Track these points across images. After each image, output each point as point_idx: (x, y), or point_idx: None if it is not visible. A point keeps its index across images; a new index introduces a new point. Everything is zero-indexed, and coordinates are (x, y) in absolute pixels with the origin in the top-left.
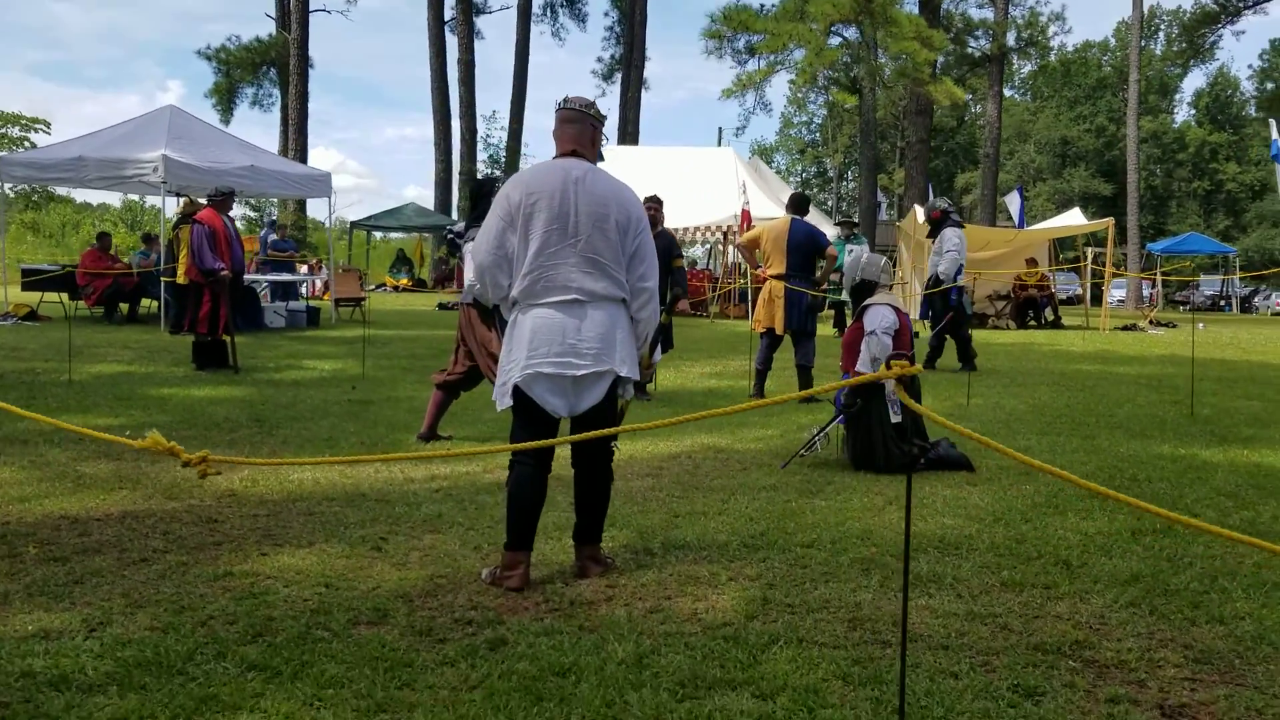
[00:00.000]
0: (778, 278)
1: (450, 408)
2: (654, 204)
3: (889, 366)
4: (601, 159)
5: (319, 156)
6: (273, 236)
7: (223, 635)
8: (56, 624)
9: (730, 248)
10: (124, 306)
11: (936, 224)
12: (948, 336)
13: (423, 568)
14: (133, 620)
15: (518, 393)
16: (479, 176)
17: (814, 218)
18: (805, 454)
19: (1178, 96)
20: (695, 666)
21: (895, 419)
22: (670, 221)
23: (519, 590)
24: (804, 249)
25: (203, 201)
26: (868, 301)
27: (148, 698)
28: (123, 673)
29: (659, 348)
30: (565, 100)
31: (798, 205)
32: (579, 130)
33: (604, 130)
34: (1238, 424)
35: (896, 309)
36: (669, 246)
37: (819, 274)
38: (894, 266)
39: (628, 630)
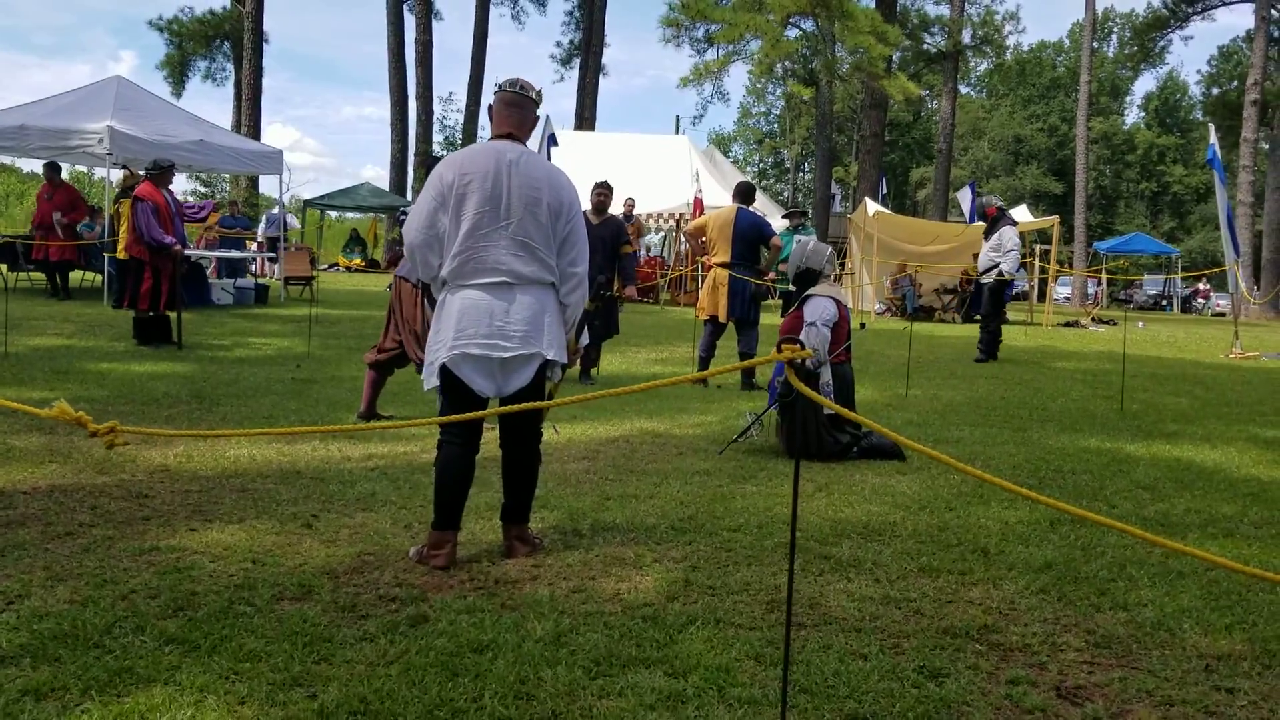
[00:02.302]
0: (722, 266)
1: (389, 386)
2: (603, 190)
3: (779, 350)
4: (556, 144)
5: (276, 133)
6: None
7: (143, 609)
8: None
9: (682, 235)
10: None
11: (994, 220)
12: (983, 327)
13: (351, 545)
14: (52, 593)
15: (445, 372)
16: (434, 156)
17: (767, 207)
18: (740, 440)
19: (1128, 99)
20: (612, 645)
21: (827, 410)
22: (618, 208)
23: (445, 569)
24: (749, 238)
25: (142, 174)
26: (810, 291)
27: (61, 669)
28: (37, 645)
29: (585, 332)
30: (510, 82)
31: (744, 194)
32: (521, 115)
33: (540, 114)
34: (1164, 419)
35: (838, 301)
36: (618, 232)
37: (764, 263)
38: (842, 259)
39: (549, 609)
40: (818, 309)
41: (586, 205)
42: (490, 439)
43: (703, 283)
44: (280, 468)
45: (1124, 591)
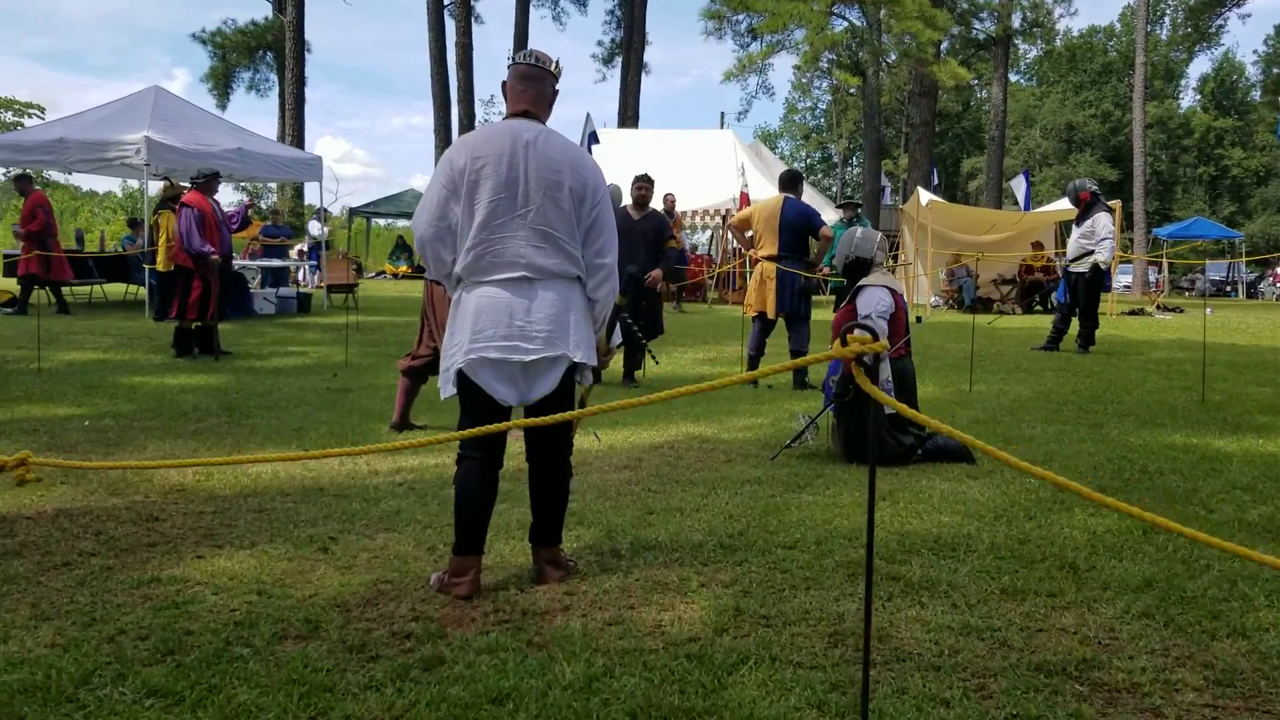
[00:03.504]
0: (769, 259)
1: (424, 394)
2: (644, 183)
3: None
4: (598, 141)
5: (326, 145)
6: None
7: (129, 653)
8: None
9: (727, 231)
10: (45, 295)
11: (1087, 206)
12: (1074, 318)
13: (369, 571)
14: (35, 635)
15: (462, 379)
16: None
17: (816, 201)
18: (794, 445)
19: (1183, 82)
20: (651, 692)
21: (887, 409)
22: (661, 204)
23: (467, 598)
24: (797, 229)
25: (185, 185)
26: (862, 282)
27: None
28: (4, 700)
29: (617, 331)
30: (524, 54)
31: (791, 183)
32: (538, 90)
33: (584, 111)
34: (1250, 411)
35: (893, 290)
36: (661, 227)
37: (813, 255)
38: (895, 251)
39: (580, 647)
40: (871, 300)
41: (629, 200)
42: (516, 452)
43: (750, 278)
44: (302, 484)
45: (1240, 614)
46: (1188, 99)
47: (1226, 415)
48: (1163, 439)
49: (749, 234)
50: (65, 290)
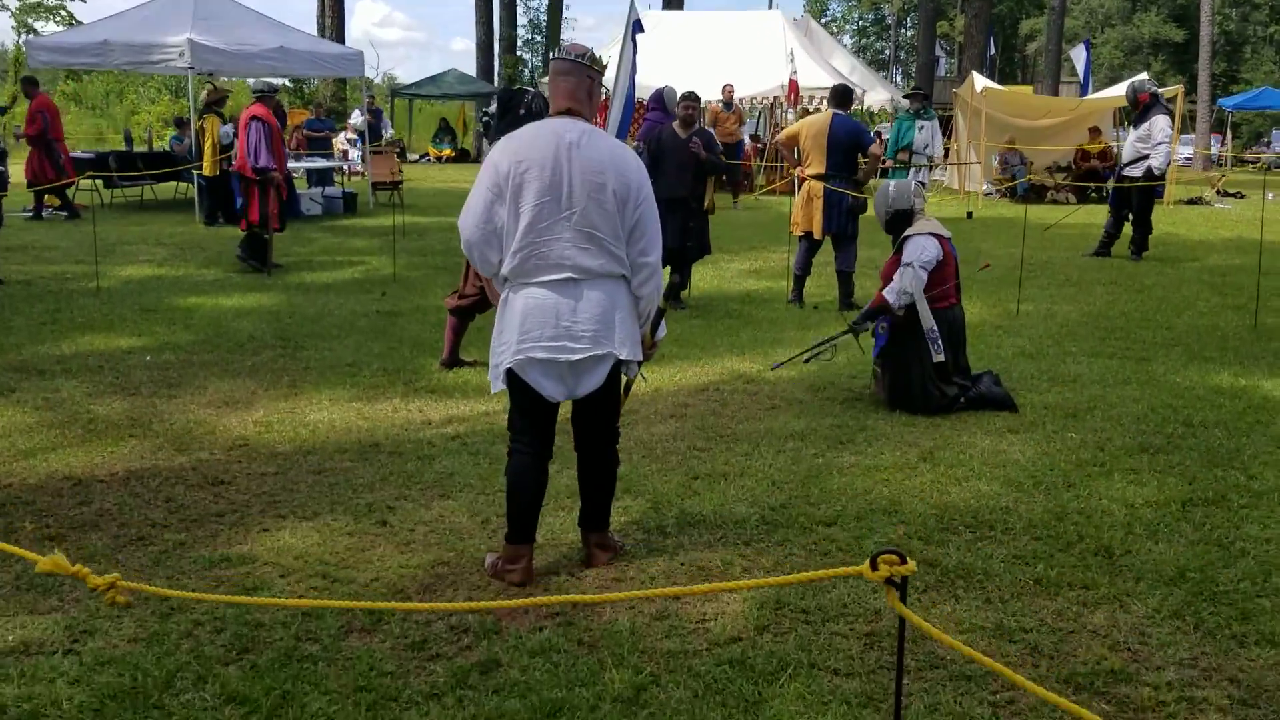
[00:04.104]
0: (817, 178)
1: (473, 329)
2: (691, 102)
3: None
4: (642, 29)
5: (364, 10)
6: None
7: (207, 651)
8: (38, 633)
9: (778, 119)
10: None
11: (1146, 108)
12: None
13: (426, 550)
14: (118, 628)
15: (511, 376)
16: (515, 89)
17: (868, 80)
18: (806, 361)
19: None
20: (695, 706)
21: (938, 357)
22: (711, 94)
23: (521, 585)
24: (845, 147)
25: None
26: (908, 232)
27: None
28: (96, 704)
29: (662, 325)
30: (558, 49)
31: (841, 98)
32: (575, 83)
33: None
34: None
35: (940, 237)
36: (708, 144)
37: (861, 173)
38: (948, 133)
39: (628, 649)
40: (916, 249)
41: (675, 85)
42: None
43: (796, 195)
44: (358, 439)
45: (1270, 616)
46: None
47: (1279, 345)
48: (1209, 379)
49: (796, 151)
50: (117, 191)
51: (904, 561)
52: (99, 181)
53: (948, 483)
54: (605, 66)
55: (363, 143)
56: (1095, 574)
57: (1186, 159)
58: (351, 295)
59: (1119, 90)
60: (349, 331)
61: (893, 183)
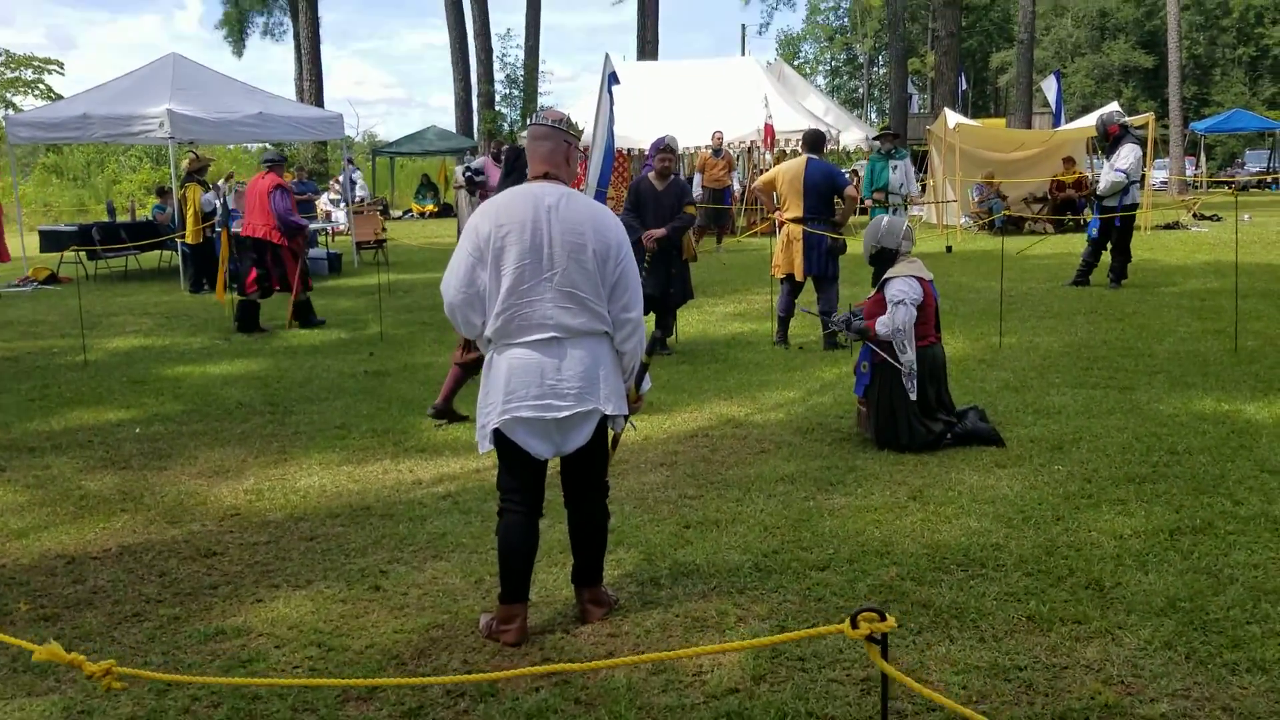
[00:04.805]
0: (795, 221)
1: (468, 384)
2: (667, 155)
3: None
4: (618, 81)
5: (344, 69)
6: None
7: None
8: (36, 715)
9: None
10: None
11: (1116, 139)
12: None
13: (420, 613)
14: (115, 708)
15: (499, 436)
16: (509, 145)
17: (842, 119)
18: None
19: None
20: None
21: (911, 395)
22: (693, 139)
23: (516, 645)
24: (821, 190)
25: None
26: (890, 273)
27: None
28: None
29: (647, 378)
30: (536, 114)
31: (813, 144)
32: (552, 148)
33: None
34: None
35: (921, 279)
36: (682, 193)
37: (838, 215)
38: (923, 169)
39: (625, 705)
40: (901, 289)
41: (659, 135)
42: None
43: (777, 237)
44: (349, 503)
45: (1260, 643)
46: None
47: (1259, 368)
48: (1192, 405)
49: (775, 196)
50: (102, 262)
51: (883, 619)
52: (83, 253)
53: (938, 521)
54: (581, 131)
55: (346, 203)
56: (1087, 608)
57: (1163, 183)
58: (339, 356)
59: (1091, 120)
60: (338, 393)
61: (886, 218)
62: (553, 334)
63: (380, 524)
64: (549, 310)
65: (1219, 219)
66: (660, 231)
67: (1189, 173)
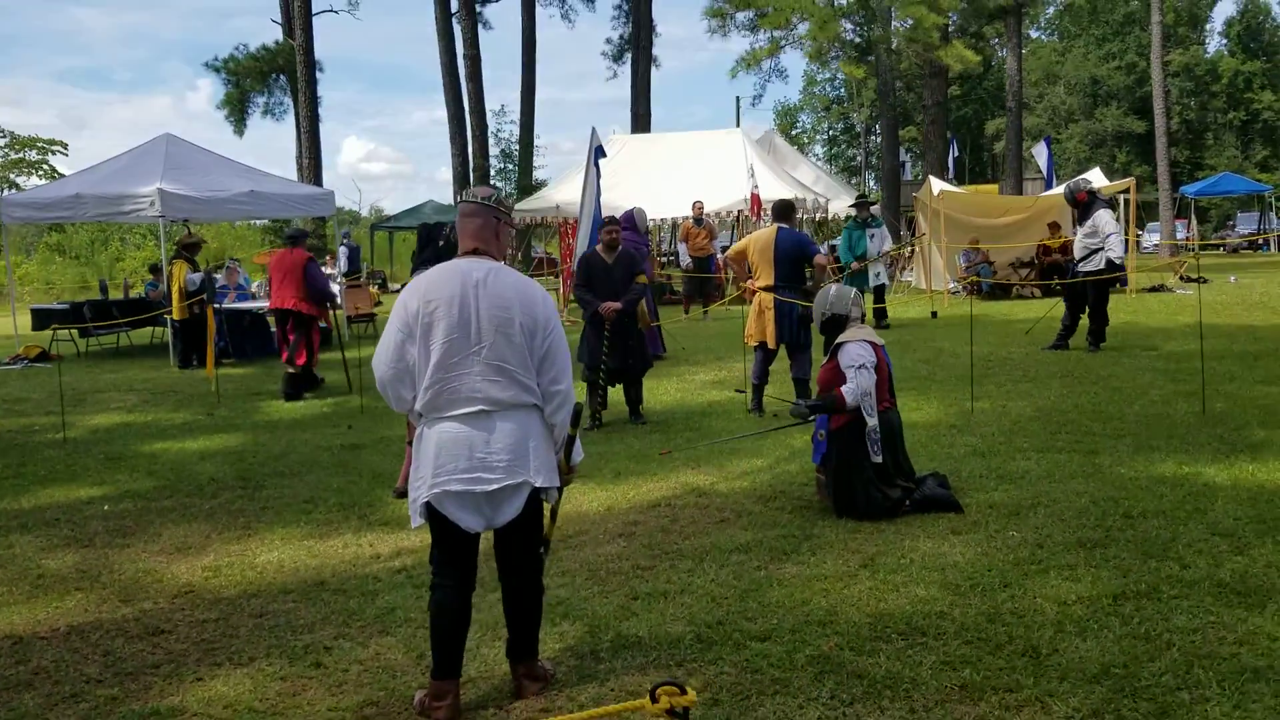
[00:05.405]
0: (766, 289)
1: None
2: (614, 227)
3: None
4: (604, 154)
5: (350, 147)
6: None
7: None
8: None
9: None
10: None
11: (1086, 205)
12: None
13: (357, 690)
14: None
15: (429, 510)
16: (428, 223)
17: (832, 189)
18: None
19: (1209, 26)
20: None
21: (875, 459)
22: (679, 209)
23: None
24: (792, 258)
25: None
26: (841, 339)
27: None
28: None
29: (578, 449)
30: (467, 192)
31: (783, 213)
32: (481, 224)
33: (511, 220)
34: (1250, 423)
35: (874, 344)
36: (630, 264)
37: (810, 284)
38: (912, 235)
39: None
40: (855, 354)
41: (644, 206)
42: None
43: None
44: (305, 578)
45: (1187, 709)
46: (1214, 44)
47: (1224, 430)
48: (1154, 469)
49: (748, 265)
50: (93, 339)
51: (684, 692)
52: (74, 331)
53: (885, 590)
54: (511, 208)
55: (342, 276)
56: (1020, 676)
57: (1155, 246)
58: (317, 430)
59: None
60: (311, 467)
61: (834, 287)
62: (481, 407)
63: (332, 599)
64: (477, 384)
65: (1206, 281)
66: (617, 305)
67: (1180, 236)
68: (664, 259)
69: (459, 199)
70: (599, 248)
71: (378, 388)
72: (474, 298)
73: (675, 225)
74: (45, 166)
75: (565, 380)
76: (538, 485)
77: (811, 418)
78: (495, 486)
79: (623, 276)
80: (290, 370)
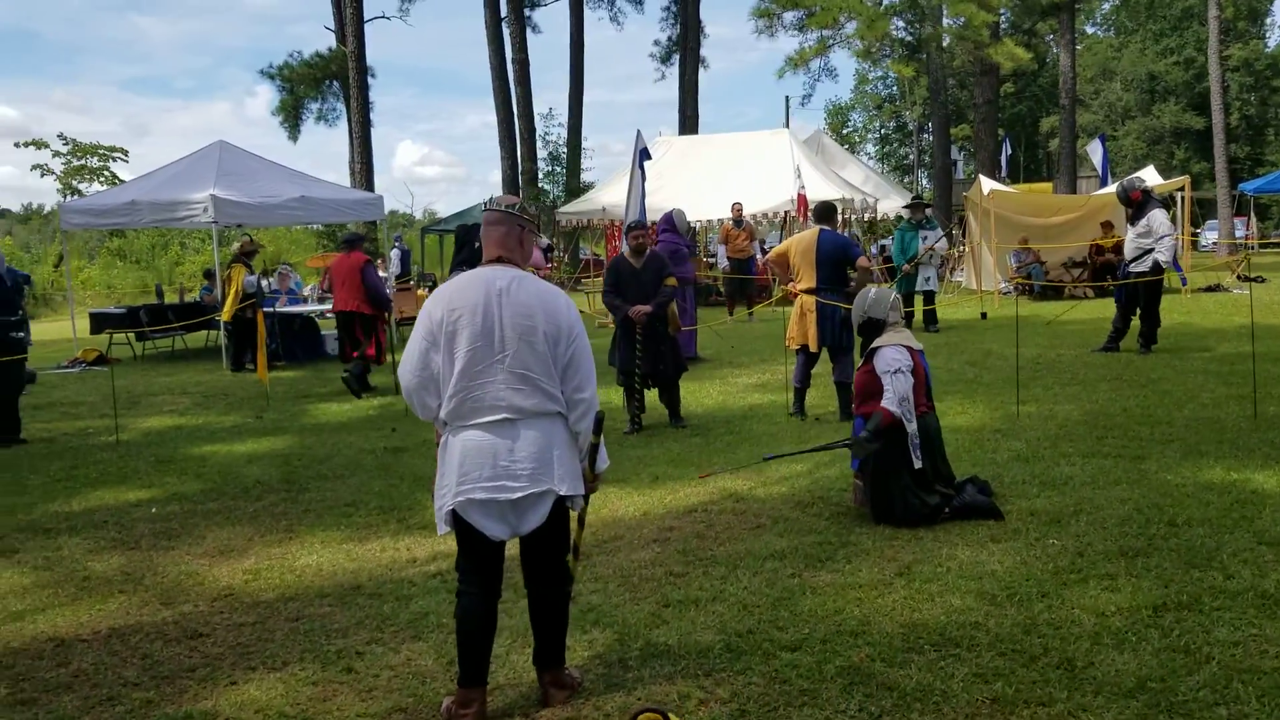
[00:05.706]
0: (808, 292)
1: None
2: (640, 232)
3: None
4: (649, 157)
5: (405, 151)
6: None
7: None
8: None
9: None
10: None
11: (1140, 205)
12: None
13: (387, 696)
14: None
15: (455, 518)
16: (465, 224)
17: (880, 189)
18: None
19: (1269, 20)
20: None
21: (916, 464)
22: (723, 211)
23: None
24: (834, 261)
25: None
26: (877, 343)
27: None
28: None
29: (602, 456)
30: (491, 200)
31: (824, 215)
32: (505, 233)
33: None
34: None
35: (910, 349)
36: (660, 269)
37: (852, 285)
38: (963, 235)
39: None
40: (891, 359)
41: (689, 208)
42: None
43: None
44: (342, 582)
45: None
46: (1275, 37)
47: (1276, 435)
48: (1201, 474)
49: (787, 267)
50: (149, 343)
51: (666, 719)
52: (131, 335)
53: (920, 599)
54: (536, 216)
55: (395, 279)
56: (1054, 689)
57: (1213, 244)
58: (362, 433)
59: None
60: (354, 470)
61: (873, 289)
62: (505, 415)
63: (367, 603)
64: (501, 392)
65: (1264, 280)
66: (647, 308)
67: (1239, 234)
68: (708, 260)
69: (484, 207)
70: (626, 252)
71: (403, 396)
72: (497, 306)
73: (717, 226)
74: (106, 173)
75: (589, 388)
76: (562, 493)
77: (876, 446)
78: (519, 495)
79: (651, 280)
80: (358, 362)
